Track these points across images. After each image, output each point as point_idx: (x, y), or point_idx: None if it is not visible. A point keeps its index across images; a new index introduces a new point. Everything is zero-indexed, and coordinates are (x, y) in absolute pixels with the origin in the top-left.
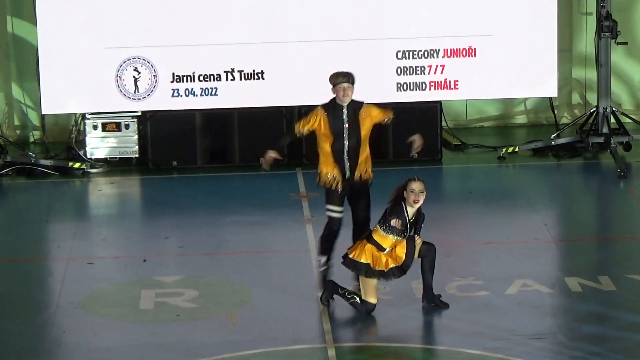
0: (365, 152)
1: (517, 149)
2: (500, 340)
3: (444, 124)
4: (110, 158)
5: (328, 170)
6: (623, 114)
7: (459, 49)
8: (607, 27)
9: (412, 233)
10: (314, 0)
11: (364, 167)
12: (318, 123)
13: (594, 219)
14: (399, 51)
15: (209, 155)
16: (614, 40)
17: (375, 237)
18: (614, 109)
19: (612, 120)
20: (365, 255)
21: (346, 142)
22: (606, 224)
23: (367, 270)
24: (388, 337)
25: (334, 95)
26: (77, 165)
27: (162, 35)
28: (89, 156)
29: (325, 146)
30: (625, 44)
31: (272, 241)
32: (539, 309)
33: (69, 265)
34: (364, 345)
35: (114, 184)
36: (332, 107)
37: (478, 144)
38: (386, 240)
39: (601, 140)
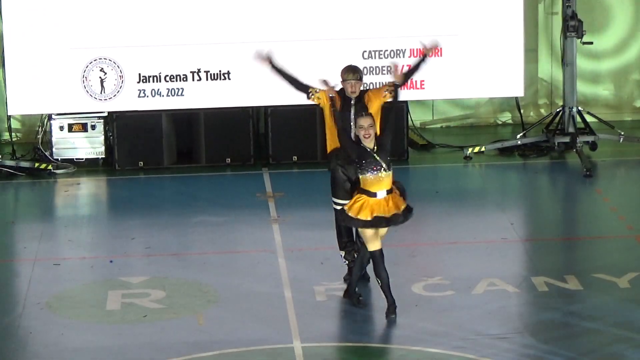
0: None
1: (483, 149)
2: (466, 340)
3: (410, 123)
4: (76, 159)
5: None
6: (589, 113)
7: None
8: (573, 27)
9: (385, 160)
10: (279, 1)
11: None
12: (325, 101)
13: (560, 218)
14: (365, 51)
15: (175, 155)
16: (579, 39)
17: (362, 185)
18: (579, 108)
19: (578, 119)
20: (362, 211)
21: (353, 130)
22: (572, 223)
23: (365, 225)
24: (354, 337)
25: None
26: (43, 166)
27: (128, 36)
28: (55, 157)
29: (332, 126)
30: (591, 43)
31: (239, 241)
32: (505, 309)
33: (35, 266)
34: (331, 344)
35: (81, 185)
36: (343, 96)
37: (444, 143)
38: (368, 181)
39: (567, 139)
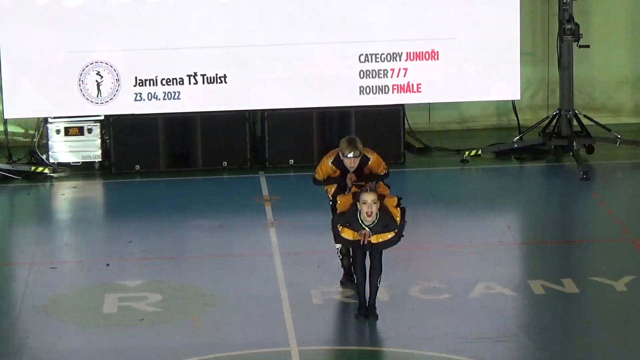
0: None
1: (480, 152)
2: (463, 343)
3: (407, 127)
4: (73, 162)
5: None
6: (586, 116)
7: (422, 52)
8: (570, 30)
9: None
10: (275, 4)
11: None
12: (331, 172)
13: (557, 221)
14: (362, 54)
15: (172, 159)
16: (576, 43)
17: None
18: (576, 111)
19: (575, 122)
20: (347, 232)
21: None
22: (569, 226)
23: (347, 244)
24: (351, 340)
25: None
26: (39, 169)
27: (124, 40)
28: (51, 160)
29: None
30: (588, 46)
31: (235, 245)
32: (502, 312)
33: (31, 270)
34: (327, 348)
35: (77, 188)
36: (339, 163)
37: (441, 147)
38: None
39: (564, 142)
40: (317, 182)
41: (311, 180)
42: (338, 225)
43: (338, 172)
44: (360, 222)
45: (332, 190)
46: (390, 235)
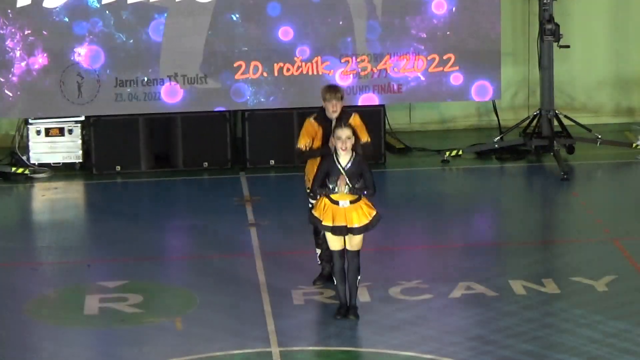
0: None
1: (460, 152)
2: (444, 343)
3: (387, 127)
4: (53, 163)
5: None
6: (566, 116)
7: (403, 53)
8: (550, 30)
9: (352, 183)
10: (256, 6)
11: None
12: (314, 133)
13: (538, 221)
14: (343, 54)
15: (152, 159)
16: (556, 43)
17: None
18: (557, 111)
19: (556, 123)
20: (325, 215)
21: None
22: (550, 226)
23: (326, 229)
24: (332, 341)
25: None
26: (20, 170)
27: (105, 40)
28: (32, 161)
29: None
30: (568, 46)
31: (216, 245)
32: (483, 312)
33: (12, 271)
34: (308, 349)
35: (58, 189)
36: (322, 119)
37: (422, 147)
38: (338, 195)
39: (544, 143)
40: (300, 155)
41: (295, 156)
42: (314, 212)
43: (320, 131)
44: (336, 161)
45: (312, 176)
46: (365, 219)
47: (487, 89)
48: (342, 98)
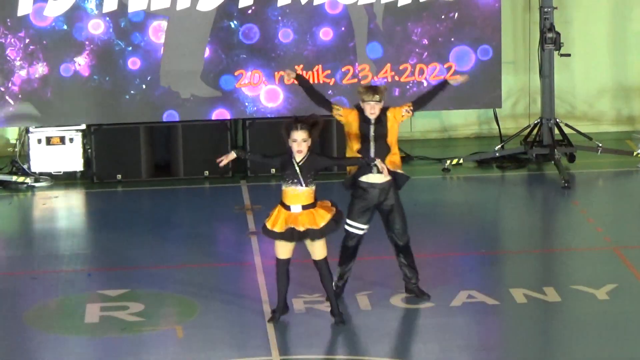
0: (392, 153)
1: (461, 161)
2: (445, 352)
3: None
4: (54, 172)
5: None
6: (567, 125)
7: (404, 61)
8: (551, 39)
9: (310, 179)
10: (256, 14)
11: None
12: (349, 119)
13: (539, 230)
14: (344, 64)
15: (153, 168)
16: (557, 51)
17: (282, 196)
18: (557, 120)
19: (556, 131)
20: (277, 223)
21: (372, 150)
22: (550, 235)
23: (276, 236)
24: (332, 349)
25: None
26: (21, 179)
27: (105, 48)
28: (33, 170)
29: (354, 147)
30: (568, 55)
31: (217, 254)
32: (484, 321)
33: (12, 280)
34: (309, 357)
35: (58, 198)
36: (362, 115)
37: (422, 156)
38: (286, 193)
39: (545, 151)
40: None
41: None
42: (268, 221)
43: (356, 124)
44: (293, 160)
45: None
46: (320, 221)
47: (489, 98)
48: (381, 100)
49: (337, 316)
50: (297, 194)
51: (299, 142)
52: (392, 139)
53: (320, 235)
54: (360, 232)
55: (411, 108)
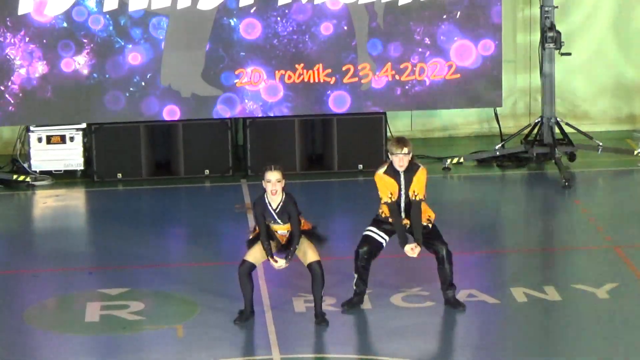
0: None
1: (462, 160)
2: (445, 350)
3: (388, 134)
4: (55, 171)
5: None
6: (567, 124)
7: (405, 60)
8: (551, 38)
9: (286, 218)
10: (260, 14)
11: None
12: (391, 184)
13: (539, 229)
14: (345, 63)
15: (153, 167)
16: (558, 50)
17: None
18: (558, 119)
19: (557, 130)
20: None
21: (402, 204)
22: (551, 234)
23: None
24: (332, 348)
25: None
26: (21, 178)
27: (105, 47)
28: (33, 169)
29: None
30: (569, 54)
31: (218, 253)
32: (484, 320)
33: (13, 278)
34: (309, 356)
35: (59, 197)
36: (392, 171)
37: (423, 154)
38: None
39: (546, 150)
40: (392, 211)
41: (377, 213)
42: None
43: (395, 185)
44: (268, 203)
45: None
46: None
47: (489, 97)
48: (409, 153)
49: (319, 317)
50: (280, 227)
51: (273, 183)
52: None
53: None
54: (374, 235)
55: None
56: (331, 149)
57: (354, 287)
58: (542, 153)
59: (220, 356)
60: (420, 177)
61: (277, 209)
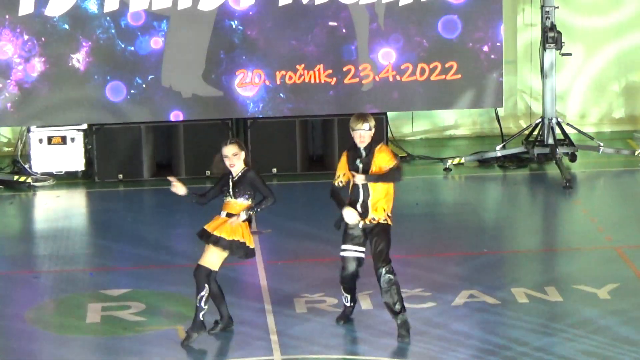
0: (377, 193)
1: (463, 161)
2: (447, 351)
3: (389, 135)
4: (56, 171)
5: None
6: (568, 124)
7: (405, 61)
8: (552, 39)
9: (241, 193)
10: (263, 15)
11: (378, 210)
12: (346, 166)
13: (540, 229)
14: (345, 64)
15: (155, 168)
16: (558, 51)
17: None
18: (559, 119)
19: (558, 131)
20: (220, 228)
21: (360, 192)
22: (552, 234)
23: (215, 241)
24: (333, 349)
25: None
26: (22, 178)
27: (106, 47)
28: (34, 170)
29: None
30: (570, 54)
31: None
32: (485, 320)
33: (14, 279)
34: (310, 357)
35: (60, 198)
36: (353, 148)
37: (424, 155)
38: (228, 204)
39: (547, 151)
40: (333, 192)
41: (329, 193)
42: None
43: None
44: (230, 177)
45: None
46: (224, 233)
47: (490, 97)
48: (370, 128)
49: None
50: (228, 203)
51: (230, 157)
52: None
53: (214, 242)
54: (353, 255)
55: (396, 168)
56: (332, 149)
57: (345, 304)
58: (543, 153)
59: (222, 357)
60: (381, 154)
61: (236, 177)
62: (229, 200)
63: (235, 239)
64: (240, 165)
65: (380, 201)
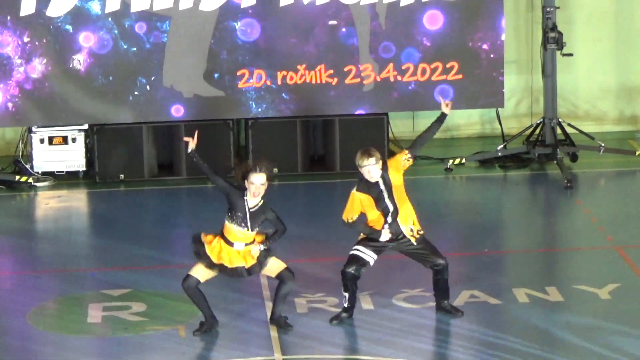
0: (405, 205)
1: (464, 161)
2: (447, 352)
3: (390, 135)
4: (57, 172)
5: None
6: (569, 124)
7: (406, 61)
8: (553, 39)
9: (257, 225)
10: (266, 18)
11: (408, 222)
12: (360, 206)
13: (541, 229)
14: (347, 64)
15: (156, 168)
16: (559, 51)
17: (224, 230)
18: (560, 119)
19: (559, 131)
20: (213, 251)
21: (390, 207)
22: (553, 234)
23: (204, 259)
24: (334, 349)
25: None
26: (23, 178)
27: (108, 48)
28: (35, 170)
29: (371, 213)
30: (571, 55)
31: None
32: (486, 320)
33: (15, 279)
34: (311, 357)
35: (61, 198)
36: (366, 185)
37: (425, 155)
38: (230, 232)
39: (548, 151)
40: (348, 225)
41: (343, 225)
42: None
43: (368, 199)
44: (245, 200)
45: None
46: (249, 260)
47: (492, 97)
48: (377, 162)
49: (279, 320)
50: (244, 235)
51: (257, 186)
52: (396, 186)
53: (259, 268)
54: (361, 255)
55: (409, 156)
56: (333, 149)
57: (344, 304)
58: (544, 154)
59: (222, 357)
60: (391, 169)
61: (253, 209)
62: (244, 231)
63: (240, 266)
64: (261, 194)
65: (409, 213)
